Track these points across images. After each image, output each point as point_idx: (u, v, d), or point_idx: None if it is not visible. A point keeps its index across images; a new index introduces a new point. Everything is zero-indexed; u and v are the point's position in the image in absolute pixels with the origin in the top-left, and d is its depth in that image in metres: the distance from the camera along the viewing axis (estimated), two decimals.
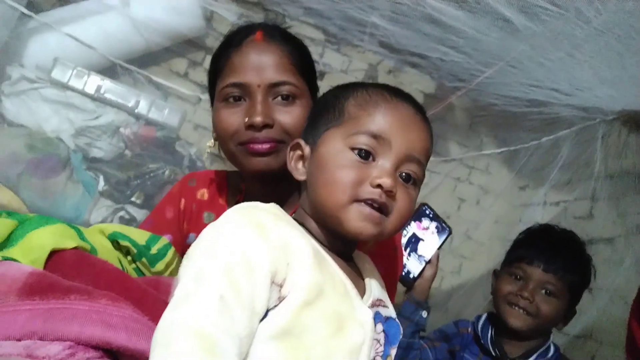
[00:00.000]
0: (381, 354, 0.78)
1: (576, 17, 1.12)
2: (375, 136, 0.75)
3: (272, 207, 0.77)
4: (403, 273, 1.31)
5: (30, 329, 0.60)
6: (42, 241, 0.75)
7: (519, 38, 1.34)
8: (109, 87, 2.48)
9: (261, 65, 0.99)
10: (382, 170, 0.74)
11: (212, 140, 1.11)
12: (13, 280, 0.65)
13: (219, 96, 1.03)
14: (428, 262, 1.33)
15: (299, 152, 0.83)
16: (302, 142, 0.83)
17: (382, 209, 0.74)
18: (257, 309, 0.64)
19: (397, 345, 0.84)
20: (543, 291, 1.43)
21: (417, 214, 1.35)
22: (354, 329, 0.71)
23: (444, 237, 1.36)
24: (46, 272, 0.69)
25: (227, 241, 0.66)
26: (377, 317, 0.78)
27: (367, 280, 0.82)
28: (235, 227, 0.68)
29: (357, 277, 0.81)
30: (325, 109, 0.82)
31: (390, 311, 0.85)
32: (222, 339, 0.58)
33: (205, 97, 1.98)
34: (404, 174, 0.76)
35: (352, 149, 0.75)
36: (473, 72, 1.67)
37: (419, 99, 2.89)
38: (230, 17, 2.33)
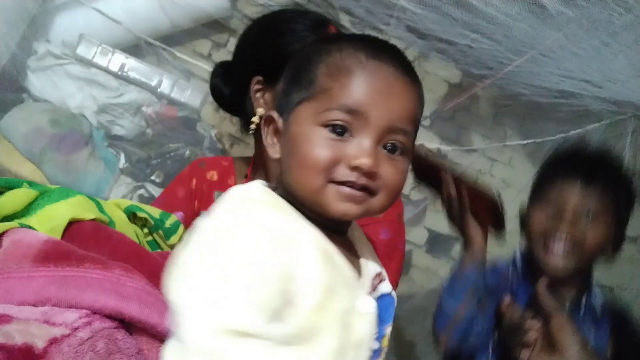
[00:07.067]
0: (375, 336, 0.73)
1: (615, 3, 1.07)
2: (350, 111, 0.66)
3: (268, 196, 0.70)
4: None
5: (44, 295, 0.60)
6: (61, 212, 0.75)
7: (552, 25, 1.29)
8: (133, 66, 2.48)
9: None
10: (359, 148, 0.66)
11: (257, 117, 1.09)
12: (28, 246, 0.64)
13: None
14: None
15: (273, 126, 0.74)
16: (275, 116, 0.73)
17: (365, 188, 0.67)
18: (271, 323, 0.60)
19: (391, 322, 0.78)
20: (584, 214, 1.17)
21: None
22: (359, 322, 0.69)
23: None
24: (61, 241, 0.69)
25: (239, 259, 0.59)
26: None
27: (361, 257, 0.76)
28: (244, 240, 0.61)
29: (353, 256, 0.75)
30: (298, 75, 0.72)
31: (384, 286, 0.78)
32: None
33: None
34: (388, 144, 0.68)
35: (325, 125, 0.67)
36: (502, 61, 1.61)
37: (444, 88, 2.86)
38: None
